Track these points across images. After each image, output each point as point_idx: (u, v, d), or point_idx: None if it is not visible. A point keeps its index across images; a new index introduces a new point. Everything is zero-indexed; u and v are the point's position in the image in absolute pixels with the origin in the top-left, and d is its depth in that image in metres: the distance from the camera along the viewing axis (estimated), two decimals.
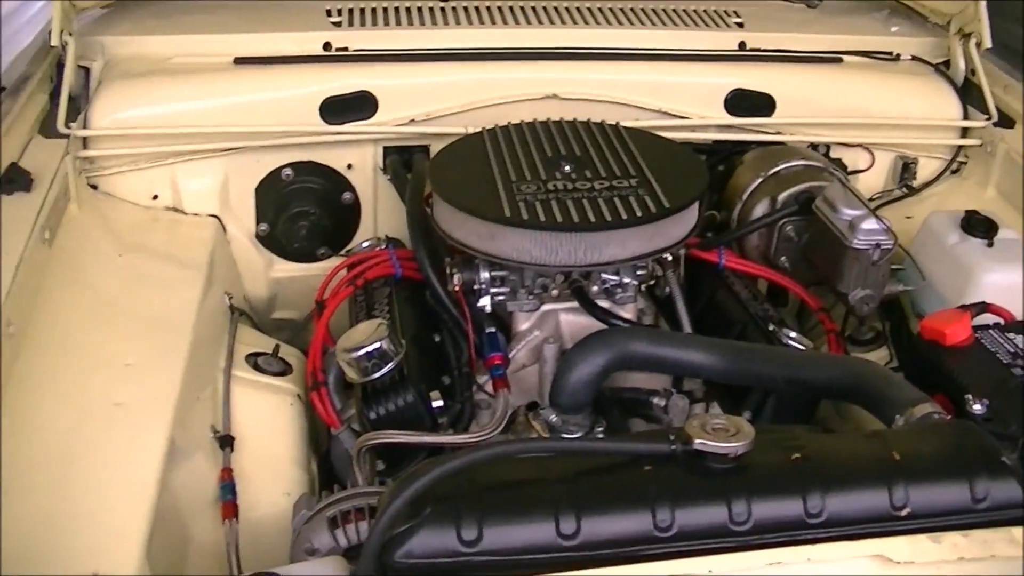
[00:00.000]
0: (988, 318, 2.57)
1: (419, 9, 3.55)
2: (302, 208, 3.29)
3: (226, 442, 2.46)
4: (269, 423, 2.63)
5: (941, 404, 2.15)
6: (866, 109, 3.44)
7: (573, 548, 1.66)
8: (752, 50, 3.51)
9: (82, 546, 1.89)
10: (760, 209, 3.04)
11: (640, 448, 1.81)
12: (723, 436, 1.74)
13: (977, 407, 2.19)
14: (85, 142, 3.07)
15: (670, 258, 2.70)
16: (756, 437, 1.75)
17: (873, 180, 3.51)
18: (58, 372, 2.31)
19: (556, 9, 3.59)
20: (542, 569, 1.54)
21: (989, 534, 1.64)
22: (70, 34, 3.12)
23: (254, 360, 2.77)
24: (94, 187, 3.11)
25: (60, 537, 1.90)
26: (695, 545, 1.68)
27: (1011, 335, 2.48)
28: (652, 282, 2.74)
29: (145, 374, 2.38)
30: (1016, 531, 1.64)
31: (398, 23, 3.48)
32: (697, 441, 1.72)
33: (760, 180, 3.08)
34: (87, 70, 3.24)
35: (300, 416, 2.69)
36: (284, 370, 2.78)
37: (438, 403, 2.49)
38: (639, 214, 2.50)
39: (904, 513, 1.74)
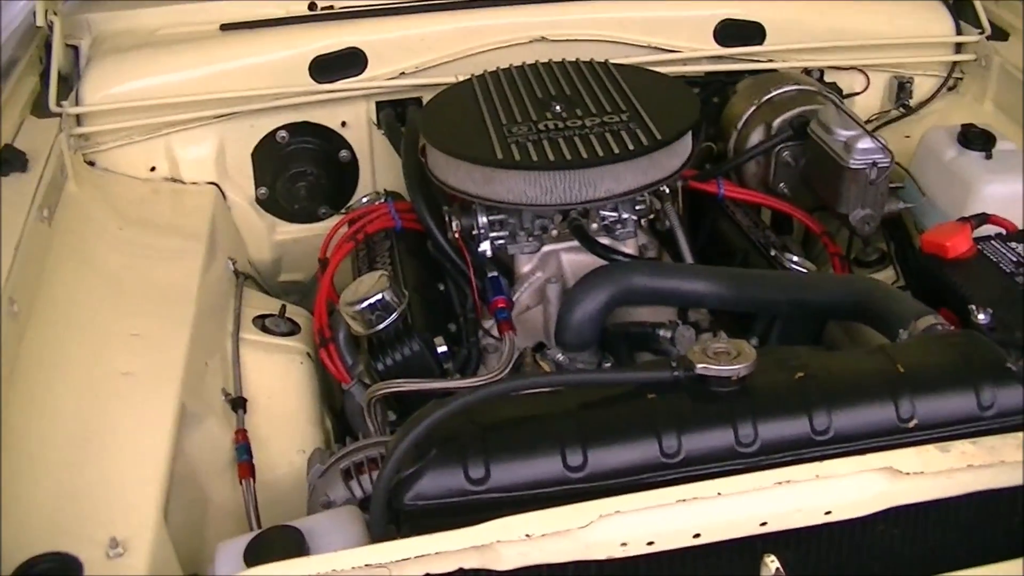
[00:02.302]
0: (990, 230, 2.56)
1: None
2: (300, 169, 3.30)
3: (239, 404, 2.48)
4: (280, 383, 2.65)
5: (945, 317, 2.16)
6: (858, 31, 3.42)
7: (581, 480, 1.67)
8: None
9: (99, 512, 1.91)
10: (756, 137, 3.04)
11: (643, 377, 1.82)
12: (725, 359, 1.74)
13: (982, 317, 2.19)
14: (79, 119, 3.09)
15: (668, 191, 2.70)
16: (758, 358, 1.75)
17: (869, 101, 3.51)
18: (65, 347, 2.32)
19: None
20: (551, 503, 1.55)
21: (997, 440, 1.65)
22: (55, 14, 3.11)
23: (262, 322, 2.79)
24: (91, 163, 3.12)
25: (76, 506, 1.92)
26: (703, 469, 1.69)
27: (1013, 244, 2.48)
28: (652, 216, 2.74)
29: (152, 344, 2.40)
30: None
31: None
32: (699, 366, 1.73)
33: (754, 108, 3.08)
34: (76, 48, 3.25)
35: (311, 374, 2.71)
36: (292, 330, 2.79)
37: (442, 348, 2.50)
38: (632, 147, 2.50)
39: (911, 425, 1.75)
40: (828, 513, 1.60)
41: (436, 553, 1.48)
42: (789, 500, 1.58)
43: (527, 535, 1.50)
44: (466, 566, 1.51)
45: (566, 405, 1.79)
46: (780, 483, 1.57)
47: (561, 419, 1.75)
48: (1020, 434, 1.64)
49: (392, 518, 1.68)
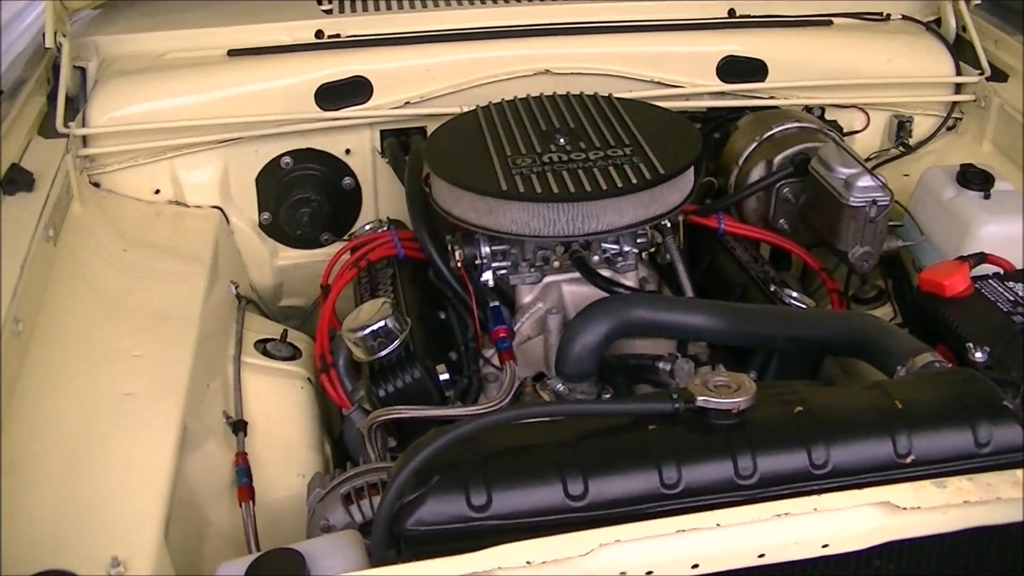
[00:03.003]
0: (987, 269, 2.58)
1: None
2: (303, 195, 3.31)
3: (239, 427, 2.49)
4: (281, 407, 2.67)
5: (943, 355, 2.17)
6: (858, 70, 3.45)
7: (582, 509, 1.69)
8: (742, 16, 3.53)
9: (100, 532, 1.91)
10: (756, 173, 3.06)
11: (644, 408, 1.84)
12: (725, 392, 1.76)
13: (979, 355, 2.21)
14: (85, 140, 3.11)
15: (669, 225, 2.72)
16: (758, 392, 1.77)
17: (869, 140, 3.53)
18: (68, 366, 2.33)
19: None
20: (552, 531, 1.56)
21: (993, 477, 1.66)
22: (64, 35, 3.14)
23: (263, 346, 2.80)
24: (96, 185, 3.13)
25: (78, 524, 1.93)
26: (702, 500, 1.70)
27: (1011, 284, 2.49)
28: (653, 250, 2.76)
29: (154, 365, 2.41)
30: (1020, 473, 1.66)
31: (388, 7, 3.50)
32: (700, 398, 1.75)
33: (755, 144, 3.10)
34: (83, 70, 3.27)
35: (311, 399, 2.72)
36: (293, 355, 2.81)
37: (444, 376, 2.50)
38: (634, 181, 2.52)
39: (908, 460, 1.77)
40: (825, 546, 1.62)
41: None
42: (787, 533, 1.60)
43: (527, 562, 1.51)
44: None
45: (567, 435, 1.80)
46: (778, 515, 1.58)
47: (562, 448, 1.76)
48: (1017, 471, 1.66)
49: (393, 543, 1.69)
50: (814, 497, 1.61)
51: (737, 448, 1.74)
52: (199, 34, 3.38)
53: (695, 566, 1.58)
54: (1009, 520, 1.67)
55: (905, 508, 1.61)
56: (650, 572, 1.57)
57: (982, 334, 2.31)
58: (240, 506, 2.33)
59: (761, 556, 1.60)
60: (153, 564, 1.88)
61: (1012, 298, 2.43)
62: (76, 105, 3.16)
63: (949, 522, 1.64)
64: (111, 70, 3.25)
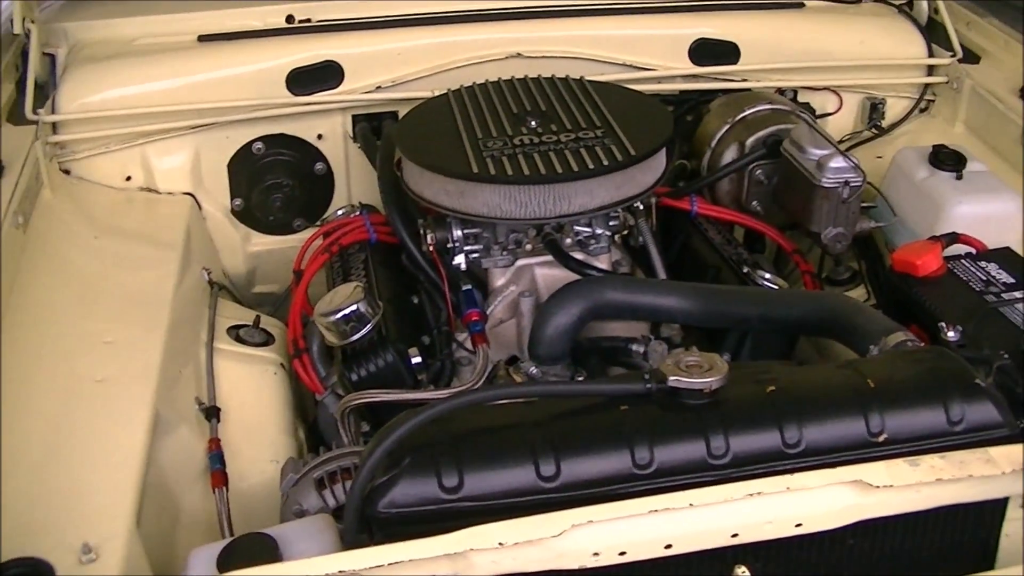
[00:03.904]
0: (959, 249, 2.59)
1: None
2: (275, 181, 3.31)
3: (212, 413, 2.48)
4: (254, 393, 2.65)
5: (916, 334, 2.18)
6: (831, 52, 3.46)
7: (554, 490, 1.68)
8: None
9: (72, 519, 1.90)
10: (729, 155, 3.07)
11: (616, 388, 1.84)
12: (697, 372, 1.76)
13: (951, 334, 2.22)
14: (54, 127, 3.09)
15: (641, 207, 2.72)
16: (730, 372, 1.77)
17: (842, 122, 3.54)
18: (39, 353, 2.33)
19: None
20: (525, 511, 1.56)
21: (966, 455, 1.66)
22: (32, 22, 3.12)
23: (236, 332, 2.79)
24: (66, 172, 3.12)
25: (49, 511, 1.92)
26: (675, 481, 1.70)
27: (982, 263, 2.50)
28: (625, 232, 2.76)
29: (126, 351, 2.40)
30: (992, 451, 1.67)
31: None
32: (672, 378, 1.75)
33: (728, 126, 3.10)
34: (52, 56, 3.25)
35: (284, 384, 2.71)
36: (266, 340, 2.80)
37: (416, 360, 2.50)
38: (606, 163, 2.52)
39: (881, 439, 1.77)
40: (799, 525, 1.62)
41: (409, 560, 1.49)
42: (760, 512, 1.60)
43: (500, 543, 1.51)
44: (438, 574, 1.51)
45: (539, 416, 1.80)
46: (751, 495, 1.58)
47: (534, 429, 1.76)
48: (989, 449, 1.66)
49: (365, 526, 1.69)
50: (787, 476, 1.61)
51: (709, 428, 1.74)
52: (169, 19, 3.36)
53: (668, 546, 1.58)
54: (982, 498, 1.68)
55: (878, 487, 1.61)
56: (623, 552, 1.57)
57: (954, 313, 2.31)
58: (213, 492, 2.32)
59: (734, 536, 1.60)
60: (125, 550, 1.87)
61: (984, 277, 2.44)
62: (46, 92, 3.14)
63: (922, 500, 1.65)
64: (81, 56, 3.23)
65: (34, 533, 1.86)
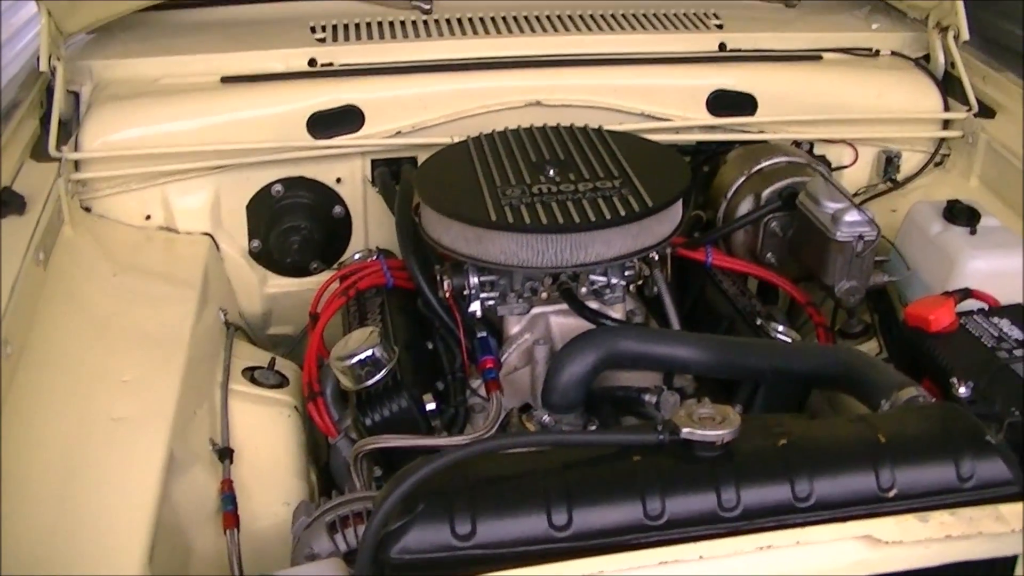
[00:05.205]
0: (972, 304, 2.60)
1: (401, 23, 3.59)
2: (293, 223, 3.32)
3: (225, 454, 2.50)
4: (267, 435, 2.67)
5: (927, 389, 2.18)
6: (847, 105, 3.47)
7: (566, 539, 1.69)
8: (732, 51, 3.55)
9: (86, 556, 1.92)
10: (745, 206, 3.08)
11: (629, 439, 1.85)
12: (710, 424, 1.77)
13: (962, 390, 2.22)
14: (77, 165, 3.11)
15: (656, 257, 2.73)
16: (743, 425, 1.78)
17: (857, 175, 3.55)
18: (56, 389, 2.34)
19: (537, 17, 3.63)
20: (536, 560, 1.57)
21: (976, 511, 1.67)
22: (58, 59, 3.15)
23: (251, 374, 2.81)
24: (87, 209, 3.14)
25: (63, 548, 1.93)
26: (686, 532, 1.71)
27: (995, 319, 2.51)
28: (640, 282, 2.77)
29: (142, 390, 2.42)
30: (1002, 508, 1.67)
31: (381, 37, 3.51)
32: (684, 430, 1.76)
33: (744, 178, 3.12)
34: (76, 94, 3.28)
35: (298, 427, 2.72)
36: (281, 383, 2.82)
37: (431, 406, 2.52)
38: (623, 213, 2.53)
39: (892, 494, 1.78)
40: None
41: None
42: (770, 565, 1.60)
43: None
44: None
45: (552, 465, 1.81)
46: (761, 548, 1.59)
47: (547, 478, 1.77)
48: (999, 506, 1.67)
49: (378, 571, 1.70)
50: (797, 530, 1.62)
51: (721, 480, 1.74)
52: (193, 60, 3.39)
53: None
54: (991, 555, 1.68)
55: (888, 542, 1.61)
56: None
57: (966, 369, 2.32)
58: (225, 533, 2.33)
59: None
60: None
61: (996, 334, 2.45)
62: (69, 129, 3.16)
63: (931, 556, 1.65)
64: (104, 94, 3.26)
65: (48, 570, 1.87)
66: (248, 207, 3.32)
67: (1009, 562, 1.72)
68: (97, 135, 3.14)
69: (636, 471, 1.77)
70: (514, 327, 2.71)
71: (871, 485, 1.78)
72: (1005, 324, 2.48)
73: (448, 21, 3.60)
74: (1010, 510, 1.66)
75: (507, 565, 1.55)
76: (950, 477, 1.80)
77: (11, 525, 1.94)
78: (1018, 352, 2.38)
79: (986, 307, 2.59)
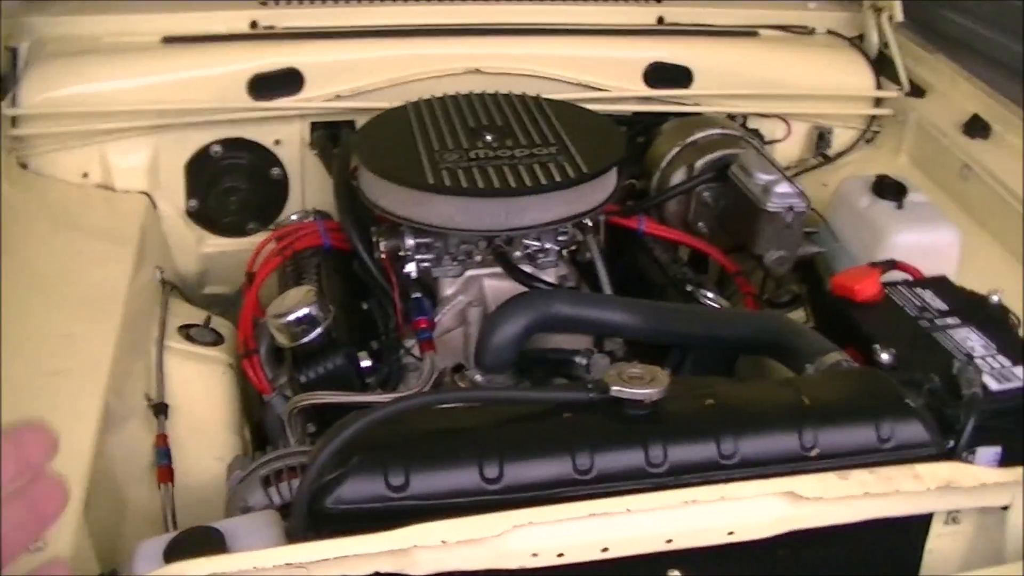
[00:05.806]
0: (897, 276, 2.65)
1: None
2: (231, 184, 3.34)
3: (160, 410, 2.51)
4: (202, 391, 2.68)
5: (852, 355, 2.24)
6: (782, 81, 3.52)
7: (497, 492, 1.72)
8: (670, 24, 3.59)
9: None
10: (678, 177, 3.11)
11: (560, 396, 1.89)
12: (639, 383, 1.80)
13: (885, 356, 2.27)
14: (14, 121, 3.10)
15: (590, 223, 2.77)
16: (671, 385, 1.81)
17: (790, 149, 3.60)
18: None
19: None
20: (468, 511, 1.60)
21: (894, 471, 1.71)
22: None
23: (187, 331, 2.81)
24: (24, 166, 3.13)
25: None
26: (614, 487, 1.74)
27: (919, 290, 2.56)
28: (574, 248, 2.81)
29: (78, 345, 2.42)
30: (919, 468, 1.72)
31: (323, 1, 3.51)
32: (614, 388, 1.79)
33: (678, 149, 3.15)
34: (15, 51, 3.26)
35: (232, 384, 2.74)
36: (216, 340, 2.83)
37: (366, 363, 2.54)
38: (559, 179, 2.56)
39: (814, 454, 1.82)
40: (731, 533, 1.66)
41: (354, 555, 1.52)
42: (694, 519, 1.64)
43: (443, 541, 1.54)
44: (382, 569, 1.54)
45: (484, 421, 1.84)
46: (686, 503, 1.62)
47: (480, 433, 1.80)
48: (916, 466, 1.72)
49: (312, 523, 1.72)
50: (722, 486, 1.65)
51: (649, 437, 1.78)
52: (135, 19, 3.37)
53: (605, 549, 1.62)
54: (909, 512, 1.73)
55: (809, 498, 1.65)
56: (561, 554, 1.61)
57: (890, 337, 2.36)
58: (160, 487, 2.35)
59: (669, 541, 1.64)
60: (73, 541, 1.90)
61: (919, 304, 2.50)
62: (6, 85, 3.14)
63: (851, 513, 1.69)
64: (44, 51, 3.24)
65: None
66: (186, 167, 3.31)
67: (924, 520, 1.78)
68: (36, 92, 3.13)
69: (566, 427, 1.81)
70: (448, 289, 2.73)
71: (794, 445, 1.82)
72: (928, 295, 2.54)
73: None
74: (927, 470, 1.71)
75: (440, 516, 1.58)
76: (870, 438, 1.84)
77: None
78: (939, 321, 2.44)
79: (911, 279, 2.64)
